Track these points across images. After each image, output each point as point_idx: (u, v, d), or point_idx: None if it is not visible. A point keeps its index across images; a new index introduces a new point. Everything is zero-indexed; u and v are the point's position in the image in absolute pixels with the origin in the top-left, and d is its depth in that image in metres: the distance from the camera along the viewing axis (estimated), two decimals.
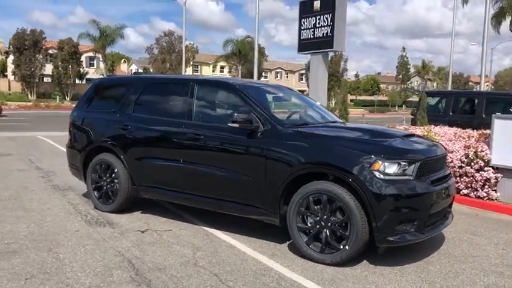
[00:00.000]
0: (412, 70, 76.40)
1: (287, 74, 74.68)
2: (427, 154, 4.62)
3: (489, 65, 56.00)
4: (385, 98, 72.80)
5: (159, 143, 5.72)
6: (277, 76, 72.76)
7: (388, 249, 4.58)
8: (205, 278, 4.03)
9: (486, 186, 7.16)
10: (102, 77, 8.68)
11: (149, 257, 4.51)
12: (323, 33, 21.62)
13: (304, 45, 22.03)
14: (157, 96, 6.09)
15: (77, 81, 50.61)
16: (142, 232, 5.33)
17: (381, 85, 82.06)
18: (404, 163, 4.29)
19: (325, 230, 4.41)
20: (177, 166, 5.46)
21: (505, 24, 29.23)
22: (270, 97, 5.95)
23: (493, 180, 7.08)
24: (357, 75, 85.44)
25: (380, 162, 4.23)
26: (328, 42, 21.90)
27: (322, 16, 21.66)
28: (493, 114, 7.20)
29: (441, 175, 4.75)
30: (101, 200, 6.18)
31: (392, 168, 4.24)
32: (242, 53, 53.57)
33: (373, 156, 4.26)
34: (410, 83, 78.75)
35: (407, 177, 4.27)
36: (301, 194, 4.53)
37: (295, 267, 4.36)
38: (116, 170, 5.97)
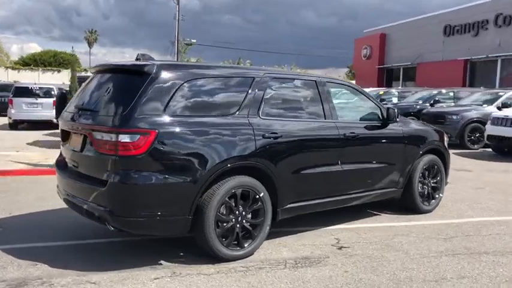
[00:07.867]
0: None
1: None
2: None
3: None
4: None
5: (316, 150, 5.17)
6: None
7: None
8: None
9: None
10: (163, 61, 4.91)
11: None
12: None
13: None
14: (283, 94, 5.31)
15: None
16: (340, 249, 4.89)
17: None
18: None
19: (429, 188, 6.44)
20: (336, 170, 5.28)
21: None
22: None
23: None
24: None
25: (445, 136, 6.89)
26: None
27: None
28: None
29: None
30: (233, 245, 4.42)
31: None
32: None
33: (445, 133, 7.06)
34: None
35: None
36: (421, 167, 6.26)
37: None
38: (260, 196, 4.51)
